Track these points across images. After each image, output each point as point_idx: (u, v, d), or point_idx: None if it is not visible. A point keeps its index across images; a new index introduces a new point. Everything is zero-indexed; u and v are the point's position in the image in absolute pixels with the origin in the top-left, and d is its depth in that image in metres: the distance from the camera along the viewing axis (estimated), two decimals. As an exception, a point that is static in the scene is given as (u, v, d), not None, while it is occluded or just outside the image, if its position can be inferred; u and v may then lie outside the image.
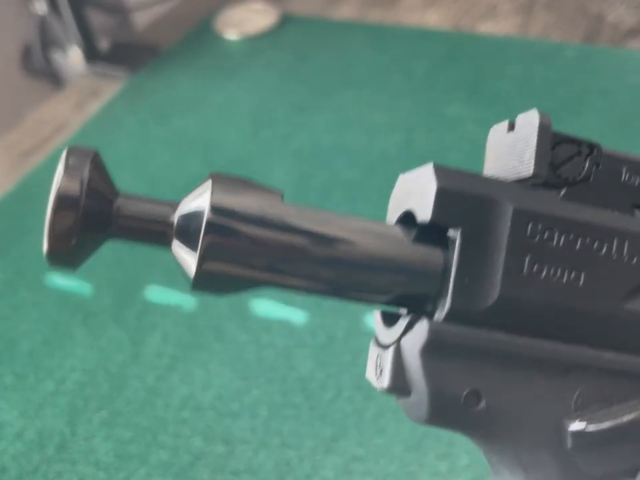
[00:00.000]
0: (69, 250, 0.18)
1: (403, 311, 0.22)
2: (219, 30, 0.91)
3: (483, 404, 0.20)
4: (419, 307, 0.21)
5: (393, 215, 0.22)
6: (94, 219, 0.19)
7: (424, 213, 0.20)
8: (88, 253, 0.19)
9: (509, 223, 0.20)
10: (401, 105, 0.76)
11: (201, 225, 0.19)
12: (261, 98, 0.80)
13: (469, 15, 0.87)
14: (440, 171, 0.20)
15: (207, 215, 0.19)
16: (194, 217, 0.19)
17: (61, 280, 0.63)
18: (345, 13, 0.91)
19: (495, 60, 0.79)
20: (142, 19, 0.98)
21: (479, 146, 0.76)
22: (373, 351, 0.22)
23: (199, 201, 0.19)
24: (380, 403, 0.50)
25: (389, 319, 0.22)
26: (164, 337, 0.56)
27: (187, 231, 0.19)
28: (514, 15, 0.86)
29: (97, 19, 0.92)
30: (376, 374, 0.21)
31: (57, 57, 0.94)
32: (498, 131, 0.24)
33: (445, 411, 0.20)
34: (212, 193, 0.19)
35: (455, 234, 0.20)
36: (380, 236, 0.20)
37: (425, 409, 0.20)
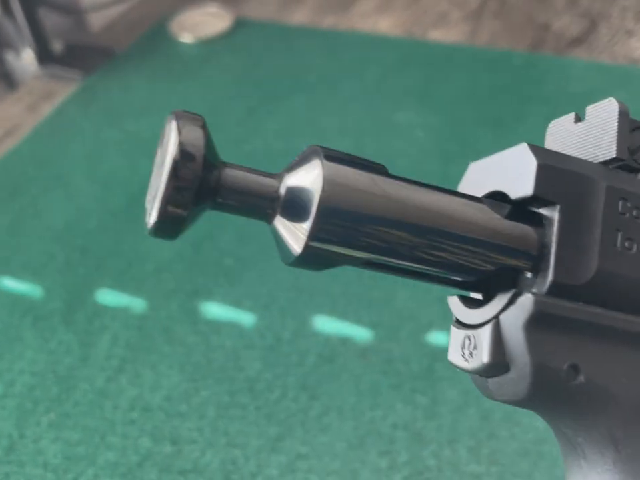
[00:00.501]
0: (179, 220, 0.18)
1: (476, 295, 0.22)
2: (174, 33, 0.92)
3: (581, 378, 0.20)
4: (505, 285, 0.21)
5: None
6: (206, 190, 0.18)
7: (522, 190, 0.20)
8: (190, 223, 0.19)
9: (602, 199, 0.20)
10: (351, 110, 0.78)
11: (312, 202, 0.18)
12: (215, 101, 0.82)
13: (421, 22, 0.89)
14: (536, 149, 0.21)
15: (319, 192, 0.18)
16: (303, 192, 0.18)
17: (11, 282, 0.63)
18: (299, 18, 0.93)
19: (444, 67, 0.81)
20: (97, 20, 0.98)
21: (427, 152, 0.79)
22: (458, 333, 0.22)
23: (309, 176, 0.19)
24: (324, 402, 0.52)
25: (471, 301, 0.22)
26: (113, 339, 0.57)
27: (295, 206, 0.19)
28: (464, 22, 0.88)
29: (50, 19, 0.92)
30: (463, 355, 0.21)
31: (10, 58, 0.93)
32: (561, 124, 0.24)
33: (545, 386, 0.20)
34: (323, 167, 0.18)
35: (551, 211, 0.20)
36: (481, 211, 0.21)
37: (525, 384, 0.20)
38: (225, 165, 0.19)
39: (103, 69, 0.89)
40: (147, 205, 0.19)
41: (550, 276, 0.20)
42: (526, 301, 0.20)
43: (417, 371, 0.53)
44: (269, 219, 0.19)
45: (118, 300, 0.61)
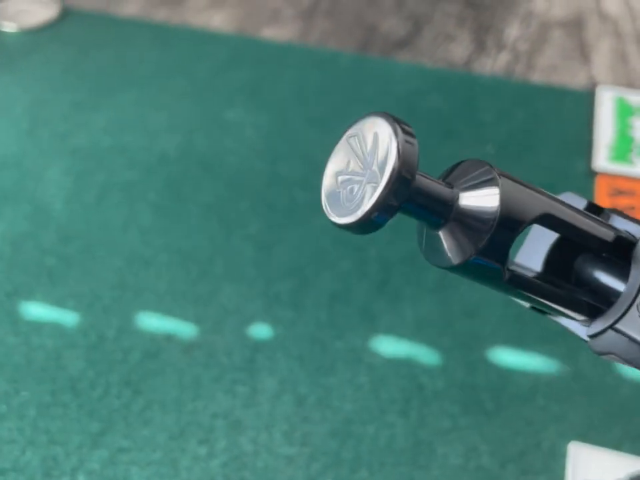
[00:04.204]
0: (379, 224, 0.21)
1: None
2: (-6, 20, 0.93)
3: None
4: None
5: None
6: (408, 194, 0.21)
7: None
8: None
9: None
10: (182, 107, 0.82)
11: (487, 223, 0.22)
12: (39, 94, 0.83)
13: (253, 18, 0.95)
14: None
15: (497, 218, 0.21)
16: (479, 212, 0.22)
17: None
18: (130, 10, 0.96)
19: (275, 65, 0.88)
20: None
21: (256, 150, 0.85)
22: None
23: (487, 199, 0.22)
24: (147, 397, 0.57)
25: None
26: None
27: (470, 223, 0.22)
28: (296, 21, 0.95)
29: None
30: None
31: None
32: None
33: None
34: (500, 197, 0.22)
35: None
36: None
37: None
38: (417, 173, 0.22)
39: None
40: (334, 192, 0.22)
41: None
42: None
43: (239, 363, 0.59)
44: (439, 226, 0.23)
45: None
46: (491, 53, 0.90)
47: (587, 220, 0.25)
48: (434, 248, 0.23)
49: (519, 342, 0.60)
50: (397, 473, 0.52)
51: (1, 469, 0.52)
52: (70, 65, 0.88)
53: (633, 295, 0.24)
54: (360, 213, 0.21)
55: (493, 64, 0.89)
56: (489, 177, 0.22)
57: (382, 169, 0.21)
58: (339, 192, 0.22)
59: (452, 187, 0.23)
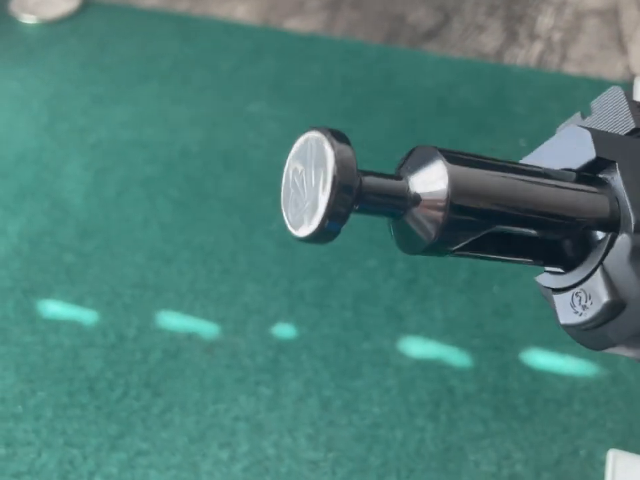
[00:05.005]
0: (336, 230, 0.22)
1: (555, 269, 0.28)
2: (14, 13, 0.92)
3: None
4: (583, 248, 0.26)
5: None
6: (356, 199, 0.22)
7: (584, 157, 0.26)
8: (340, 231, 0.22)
9: None
10: (204, 100, 0.81)
11: (442, 201, 0.23)
12: (58, 87, 0.83)
13: (278, 9, 0.94)
14: (582, 127, 0.27)
15: (448, 195, 0.23)
16: (432, 191, 0.23)
17: None
18: (151, 1, 0.95)
19: (299, 57, 0.86)
20: None
21: (279, 144, 0.84)
22: (563, 297, 0.26)
23: (434, 179, 0.23)
24: (167, 399, 0.56)
25: (563, 270, 0.27)
26: (-58, 341, 0.59)
27: (425, 203, 0.23)
28: (321, 11, 0.94)
29: None
30: (576, 312, 0.26)
31: None
32: (570, 123, 0.29)
33: None
34: (449, 173, 0.23)
35: (611, 172, 0.26)
36: (564, 177, 0.26)
37: None
38: (362, 173, 0.23)
39: None
40: (292, 212, 0.23)
41: (632, 218, 0.25)
42: (623, 240, 0.25)
43: (262, 364, 0.58)
44: (399, 215, 0.24)
45: (-52, 300, 0.62)
46: (523, 43, 0.88)
47: (551, 193, 0.25)
48: (403, 237, 0.25)
49: (554, 344, 0.58)
50: (426, 479, 0.51)
51: (17, 471, 0.51)
52: (90, 58, 0.87)
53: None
54: (313, 225, 0.22)
55: (526, 54, 0.87)
56: (436, 160, 0.24)
57: (324, 180, 0.22)
58: (295, 204, 0.23)
59: (401, 178, 0.24)
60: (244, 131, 0.78)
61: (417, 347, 0.59)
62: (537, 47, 0.88)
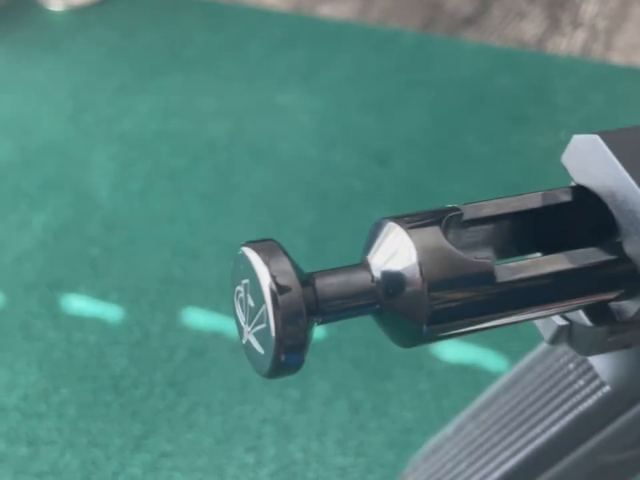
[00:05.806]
0: (299, 350, 0.19)
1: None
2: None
3: None
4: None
5: None
6: (311, 311, 0.19)
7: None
8: (308, 347, 0.20)
9: None
10: (231, 91, 0.80)
11: (419, 293, 0.19)
12: (84, 77, 0.83)
13: (309, -4, 0.93)
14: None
15: (425, 288, 0.19)
16: (403, 284, 0.20)
17: None
18: (179, -13, 0.95)
19: (331, 46, 0.85)
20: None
21: (309, 137, 0.82)
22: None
23: (402, 265, 0.20)
24: (192, 398, 0.55)
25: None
26: (-35, 336, 0.59)
27: (399, 287, 0.20)
28: (354, -2, 0.92)
29: None
30: None
31: None
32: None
33: None
34: (410, 237, 0.20)
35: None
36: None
37: None
38: (312, 276, 0.20)
39: (-41, 38, 0.88)
40: (248, 341, 0.20)
41: None
42: None
43: (289, 364, 0.57)
44: (375, 312, 0.21)
45: (-29, 294, 0.62)
46: (565, 30, 0.87)
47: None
48: (393, 331, 0.21)
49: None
50: (460, 488, 0.50)
51: (39, 471, 0.51)
52: (116, 47, 0.87)
53: None
54: (267, 365, 0.19)
55: (568, 43, 0.85)
56: (398, 238, 0.20)
57: (267, 315, 0.19)
58: (250, 342, 0.20)
59: (365, 267, 0.21)
60: (273, 122, 0.77)
61: (451, 350, 0.57)
62: (580, 35, 0.86)
